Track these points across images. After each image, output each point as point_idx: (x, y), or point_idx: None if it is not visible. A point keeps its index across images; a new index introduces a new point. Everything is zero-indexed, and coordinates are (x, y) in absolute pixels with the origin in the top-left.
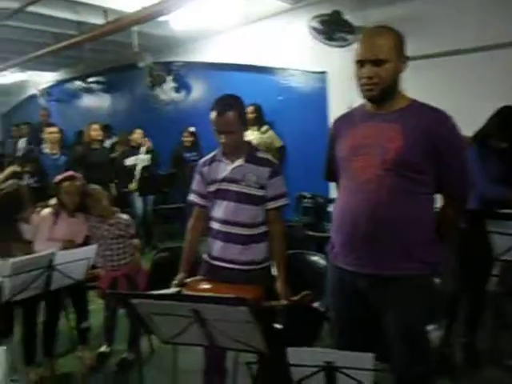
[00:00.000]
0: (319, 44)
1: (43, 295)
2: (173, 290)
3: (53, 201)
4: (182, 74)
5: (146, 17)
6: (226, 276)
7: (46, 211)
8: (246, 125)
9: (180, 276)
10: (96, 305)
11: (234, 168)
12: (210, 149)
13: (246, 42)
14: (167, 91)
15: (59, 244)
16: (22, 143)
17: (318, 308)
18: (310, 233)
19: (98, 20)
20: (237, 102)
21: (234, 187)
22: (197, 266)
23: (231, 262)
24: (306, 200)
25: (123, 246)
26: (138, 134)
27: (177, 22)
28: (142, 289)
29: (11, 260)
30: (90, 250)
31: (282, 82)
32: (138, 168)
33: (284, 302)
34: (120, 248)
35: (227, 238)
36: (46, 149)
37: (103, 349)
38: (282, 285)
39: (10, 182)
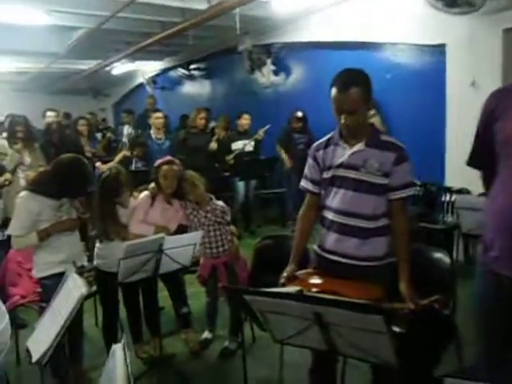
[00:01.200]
0: (437, 13)
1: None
2: (293, 288)
3: (151, 185)
4: (281, 56)
5: None
6: (339, 271)
7: (143, 194)
8: (370, 104)
9: (289, 268)
10: (195, 287)
11: (353, 153)
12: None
13: (348, 18)
14: (266, 74)
15: (152, 228)
16: (126, 129)
17: (449, 316)
18: (421, 224)
19: (202, 5)
20: (361, 77)
21: (352, 174)
22: (307, 257)
23: (346, 256)
24: (416, 188)
25: (221, 233)
26: (245, 120)
27: (278, 2)
28: (241, 277)
29: (125, 243)
30: (196, 236)
31: (390, 59)
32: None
33: (410, 305)
34: (218, 235)
35: (342, 229)
36: (153, 134)
37: (205, 335)
38: (406, 286)
39: (111, 166)
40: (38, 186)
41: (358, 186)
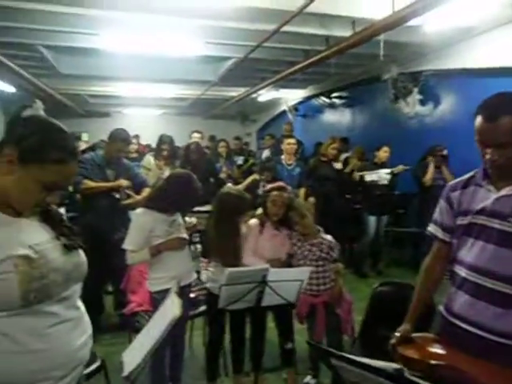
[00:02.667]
0: None
1: (251, 308)
2: (393, 366)
3: (259, 211)
4: (430, 85)
5: (397, 21)
6: (468, 344)
7: (252, 222)
8: None
9: (404, 327)
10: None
11: (500, 197)
12: (462, 172)
13: None
14: (411, 104)
15: (261, 258)
16: (265, 153)
17: None
18: None
19: (346, 32)
20: None
21: (496, 224)
22: (429, 317)
23: (479, 326)
24: None
25: (324, 270)
26: (384, 152)
27: (431, 25)
28: (344, 321)
29: (228, 269)
30: (304, 272)
31: None
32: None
33: None
34: (320, 271)
35: (477, 292)
36: (284, 159)
37: (307, 379)
38: None
39: (228, 188)
40: (151, 202)
41: (502, 239)
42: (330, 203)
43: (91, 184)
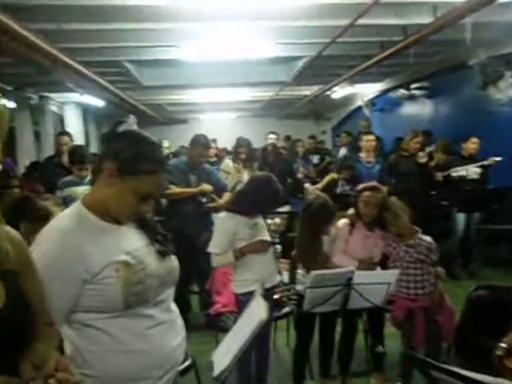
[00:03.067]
0: None
1: (341, 311)
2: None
3: (350, 211)
4: None
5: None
6: None
7: (342, 222)
8: None
9: (511, 338)
10: (393, 329)
11: None
12: None
13: None
14: (504, 89)
15: (355, 260)
16: (342, 151)
17: None
18: None
19: (425, 19)
20: None
21: None
22: None
23: None
24: None
25: (422, 273)
26: (473, 144)
27: None
28: (446, 330)
29: (313, 272)
30: (391, 275)
31: None
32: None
33: None
34: (418, 275)
35: None
36: (363, 157)
37: None
38: None
39: (317, 194)
40: (233, 206)
41: None
42: (414, 200)
43: (176, 190)
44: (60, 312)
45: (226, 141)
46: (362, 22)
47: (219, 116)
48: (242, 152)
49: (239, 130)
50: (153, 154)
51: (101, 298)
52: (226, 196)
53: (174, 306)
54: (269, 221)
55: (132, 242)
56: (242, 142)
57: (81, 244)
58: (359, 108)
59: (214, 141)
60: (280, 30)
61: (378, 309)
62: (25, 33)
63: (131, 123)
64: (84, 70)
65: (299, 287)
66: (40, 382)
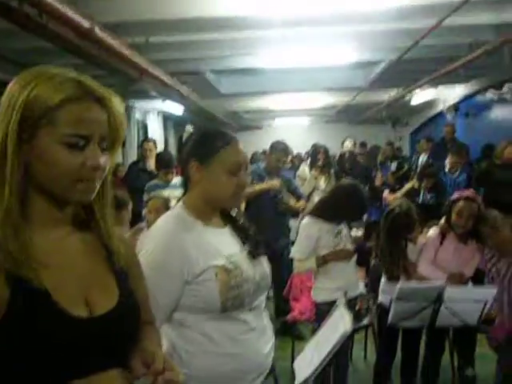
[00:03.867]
0: None
1: (428, 327)
2: None
3: (442, 220)
4: None
5: None
6: None
7: (432, 231)
8: None
9: None
10: (486, 349)
11: None
12: None
13: None
14: None
15: (444, 272)
16: (422, 158)
17: None
18: None
19: None
20: None
21: None
22: None
23: None
24: None
25: None
26: None
27: None
28: None
29: (399, 284)
30: (489, 293)
31: None
32: None
33: None
34: None
35: None
36: (446, 164)
37: None
38: None
39: (399, 201)
40: (318, 211)
41: None
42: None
43: (249, 189)
44: (162, 310)
45: (299, 147)
46: (448, 22)
47: (293, 122)
48: (319, 159)
49: (313, 136)
50: (217, 131)
51: (200, 299)
52: (302, 204)
53: (265, 313)
54: (353, 232)
55: (229, 247)
56: (319, 149)
57: (184, 246)
58: (440, 113)
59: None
60: (360, 34)
61: (470, 328)
62: (119, 47)
63: (188, 130)
64: (168, 80)
65: (382, 298)
66: (150, 378)
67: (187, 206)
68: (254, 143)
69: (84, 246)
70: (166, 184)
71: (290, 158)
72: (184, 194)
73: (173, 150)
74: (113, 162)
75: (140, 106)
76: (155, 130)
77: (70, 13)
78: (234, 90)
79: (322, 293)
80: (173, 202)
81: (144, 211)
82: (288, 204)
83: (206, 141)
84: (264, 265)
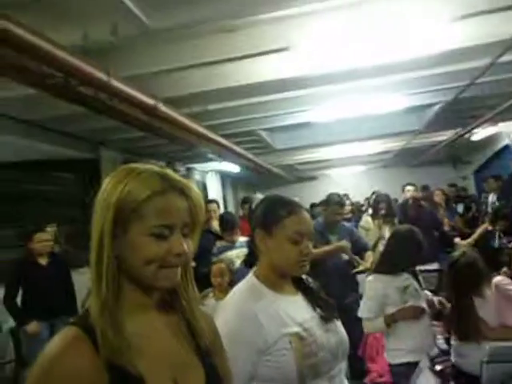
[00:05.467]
0: None
1: None
2: None
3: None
4: None
5: None
6: None
7: (499, 279)
8: None
9: None
10: None
11: None
12: None
13: None
14: None
15: None
16: (491, 198)
17: None
18: None
19: None
20: None
21: None
22: None
23: None
24: None
25: None
26: None
27: None
28: None
29: (489, 344)
30: None
31: None
32: None
33: None
34: None
35: None
36: None
37: None
38: None
39: (464, 249)
40: (380, 266)
41: None
42: None
43: (313, 251)
44: (239, 381)
45: (357, 194)
46: (506, 58)
47: (348, 170)
48: (382, 208)
49: (370, 182)
50: (282, 200)
51: (276, 369)
52: (369, 256)
53: (345, 381)
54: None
55: (302, 314)
56: (380, 198)
57: (257, 315)
58: (506, 147)
59: (346, 196)
60: (411, 80)
61: None
62: (180, 118)
63: (257, 198)
64: (224, 142)
65: (456, 359)
66: None
67: (258, 275)
68: (311, 194)
69: (170, 329)
70: (233, 245)
71: (347, 208)
72: (248, 255)
73: (231, 206)
74: (194, 245)
75: (199, 166)
76: (214, 189)
77: (136, 93)
78: (288, 144)
79: (396, 354)
80: (237, 262)
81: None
82: (358, 264)
83: (270, 210)
84: (339, 329)
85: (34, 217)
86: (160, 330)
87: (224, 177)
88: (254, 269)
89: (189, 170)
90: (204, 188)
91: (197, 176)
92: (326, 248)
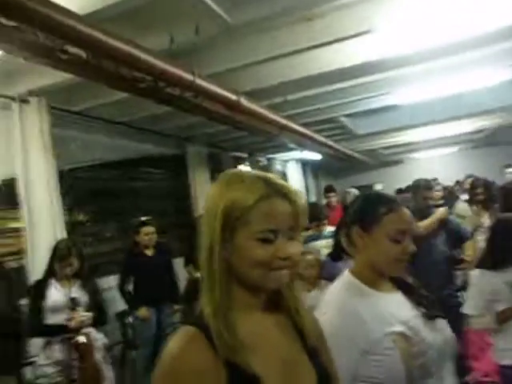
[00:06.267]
0: None
1: None
2: None
3: None
4: None
5: None
6: None
7: None
8: None
9: None
10: None
11: None
12: None
13: None
14: None
15: None
16: None
17: None
18: None
19: None
20: None
21: None
22: None
23: None
24: None
25: None
26: None
27: None
28: None
29: None
30: None
31: None
32: None
33: None
34: None
35: None
36: None
37: None
38: None
39: None
40: (483, 262)
41: None
42: None
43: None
44: (343, 381)
45: (447, 178)
46: None
47: (436, 152)
48: (479, 193)
49: (461, 165)
50: (381, 197)
51: (381, 369)
52: (470, 246)
53: (454, 381)
54: None
55: (404, 312)
56: (477, 183)
57: (358, 313)
58: None
59: (436, 180)
60: (508, 51)
61: None
62: (261, 110)
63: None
64: (305, 131)
65: None
66: None
67: (355, 272)
68: (396, 179)
69: (278, 328)
70: (319, 234)
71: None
72: (334, 248)
73: (312, 194)
74: (299, 247)
75: (280, 156)
76: (295, 178)
77: (220, 90)
78: (371, 129)
79: (504, 355)
80: (324, 252)
81: None
82: (464, 265)
83: (369, 207)
84: (444, 327)
85: (130, 211)
86: (270, 329)
87: (305, 165)
88: (351, 266)
89: (269, 160)
90: (284, 177)
91: (278, 166)
92: (429, 220)
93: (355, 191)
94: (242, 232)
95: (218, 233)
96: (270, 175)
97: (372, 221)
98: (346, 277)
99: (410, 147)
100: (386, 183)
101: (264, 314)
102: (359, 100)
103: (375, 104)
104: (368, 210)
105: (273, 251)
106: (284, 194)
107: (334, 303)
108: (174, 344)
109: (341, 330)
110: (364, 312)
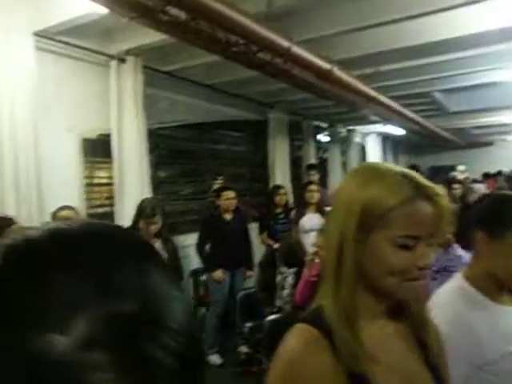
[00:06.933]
0: None
1: None
2: None
3: None
4: None
5: None
6: None
7: None
8: None
9: None
10: None
11: None
12: None
13: None
14: None
15: None
16: None
17: None
18: None
19: None
20: None
21: None
22: None
23: None
24: None
25: None
26: None
27: None
28: None
29: None
30: None
31: None
32: None
33: None
34: None
35: None
36: None
37: None
38: None
39: None
40: None
41: None
42: None
43: None
44: None
45: None
46: None
47: None
48: None
49: None
50: None
51: None
52: None
53: None
54: None
55: None
56: None
57: (473, 325)
58: None
59: None
60: None
61: None
62: (351, 80)
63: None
64: (393, 104)
65: None
66: None
67: (470, 278)
68: (484, 161)
69: (399, 337)
70: None
71: None
72: None
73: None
74: (434, 255)
75: (360, 129)
76: (374, 152)
77: (314, 58)
78: (466, 106)
79: None
80: None
81: None
82: None
83: (503, 212)
84: None
85: (207, 173)
86: (391, 339)
87: (385, 140)
88: (464, 270)
89: (349, 131)
90: (362, 150)
91: (357, 138)
92: None
93: (480, 187)
94: (380, 234)
95: (352, 232)
96: (412, 173)
97: (505, 228)
98: (458, 282)
99: (503, 129)
100: (470, 166)
101: (386, 322)
102: (461, 75)
103: (477, 80)
104: (501, 215)
105: (411, 260)
106: (430, 196)
107: (443, 310)
108: (293, 344)
109: (451, 342)
110: (480, 326)
